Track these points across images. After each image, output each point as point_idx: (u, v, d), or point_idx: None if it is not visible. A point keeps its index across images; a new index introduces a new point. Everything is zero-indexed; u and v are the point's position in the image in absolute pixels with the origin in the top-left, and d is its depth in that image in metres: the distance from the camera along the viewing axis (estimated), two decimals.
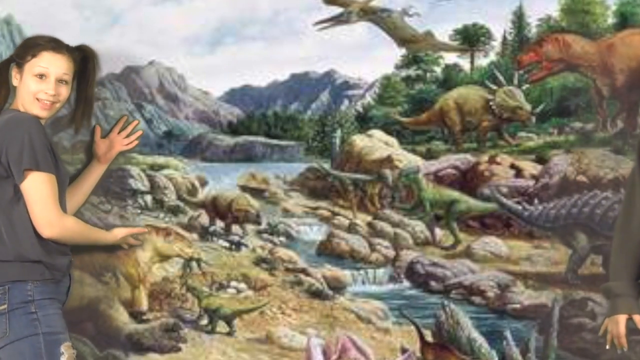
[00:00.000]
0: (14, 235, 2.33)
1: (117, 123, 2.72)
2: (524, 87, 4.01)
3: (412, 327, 4.00)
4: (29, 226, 2.35)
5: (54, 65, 2.36)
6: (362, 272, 4.13)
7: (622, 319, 2.34)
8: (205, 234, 4.25)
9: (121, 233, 2.46)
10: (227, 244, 4.24)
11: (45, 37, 2.41)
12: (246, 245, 4.22)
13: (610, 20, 3.95)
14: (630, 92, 3.91)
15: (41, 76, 2.37)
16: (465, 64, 4.09)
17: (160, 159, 4.31)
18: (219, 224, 4.25)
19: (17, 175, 2.29)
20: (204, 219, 4.25)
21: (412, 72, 4.13)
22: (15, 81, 2.40)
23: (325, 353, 4.03)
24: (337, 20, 4.10)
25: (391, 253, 4.11)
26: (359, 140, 4.18)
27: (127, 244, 2.59)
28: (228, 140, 4.34)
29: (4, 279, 2.37)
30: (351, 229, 4.16)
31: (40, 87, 2.37)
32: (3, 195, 2.32)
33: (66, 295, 2.46)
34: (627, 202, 2.42)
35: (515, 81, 4.01)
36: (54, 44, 2.40)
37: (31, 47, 2.40)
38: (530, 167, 3.98)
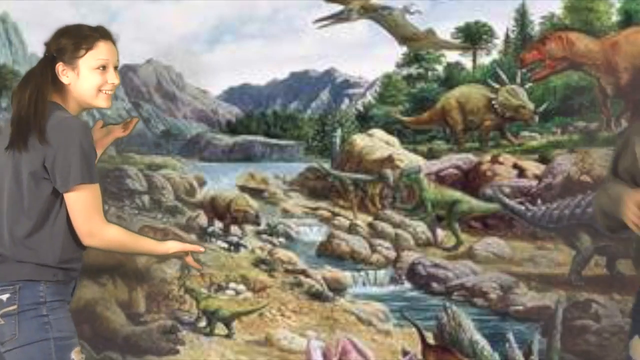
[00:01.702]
0: (38, 239, 2.31)
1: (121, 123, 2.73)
2: (526, 86, 3.99)
3: (414, 329, 3.96)
4: (61, 234, 2.33)
5: (111, 54, 2.34)
6: (362, 273, 4.12)
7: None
8: (203, 234, 4.24)
9: (174, 247, 2.40)
10: (225, 245, 4.24)
11: (88, 26, 2.37)
12: (245, 246, 4.22)
13: (615, 18, 3.95)
14: (635, 90, 3.89)
15: (103, 67, 2.34)
16: (467, 62, 4.10)
17: (158, 159, 4.32)
18: (218, 225, 4.25)
19: (62, 184, 2.27)
20: (202, 219, 4.25)
21: (413, 70, 4.14)
22: (65, 79, 2.35)
23: (325, 355, 4.01)
24: (337, 18, 4.10)
25: (392, 254, 4.10)
26: (360, 140, 4.18)
27: (186, 264, 2.60)
28: (227, 139, 4.35)
29: (15, 278, 2.34)
30: (352, 229, 4.15)
31: (104, 78, 2.34)
32: (39, 195, 2.29)
33: (72, 296, 2.44)
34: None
35: (518, 80, 3.99)
36: (103, 32, 2.37)
37: (82, 39, 2.35)
38: (533, 166, 3.97)
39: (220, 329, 4.14)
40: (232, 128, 4.35)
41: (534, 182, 3.96)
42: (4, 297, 2.30)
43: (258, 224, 4.21)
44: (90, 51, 2.34)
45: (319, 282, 4.12)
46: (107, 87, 2.37)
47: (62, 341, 2.31)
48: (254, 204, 4.23)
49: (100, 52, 2.35)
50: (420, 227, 4.08)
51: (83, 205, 2.28)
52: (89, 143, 2.30)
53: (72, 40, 2.36)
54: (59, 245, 2.31)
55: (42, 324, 2.30)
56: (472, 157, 4.05)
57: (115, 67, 2.39)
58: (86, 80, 2.35)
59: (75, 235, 2.30)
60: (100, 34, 2.37)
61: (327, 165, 4.21)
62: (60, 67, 2.36)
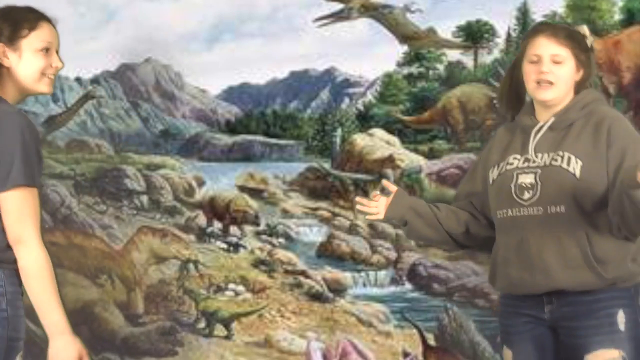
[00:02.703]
0: None
1: None
2: None
3: (414, 331, 3.95)
4: None
5: (54, 36, 2.27)
6: (363, 274, 4.10)
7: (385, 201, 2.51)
8: (202, 235, 4.22)
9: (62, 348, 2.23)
10: (225, 246, 4.22)
11: (27, 7, 2.30)
12: (244, 247, 4.20)
13: (617, 16, 3.92)
14: (637, 89, 3.87)
15: (46, 50, 2.27)
16: (468, 61, 4.07)
17: (157, 159, 4.30)
18: (217, 225, 4.22)
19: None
20: (202, 219, 4.23)
21: (414, 69, 4.12)
22: (6, 61, 2.27)
23: (325, 357, 4.00)
24: (337, 16, 4.08)
25: (393, 255, 4.08)
26: (360, 140, 4.16)
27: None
28: (226, 139, 4.34)
29: None
30: (352, 230, 4.13)
31: (47, 61, 2.27)
32: None
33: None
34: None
35: None
36: (43, 14, 2.29)
37: (25, 19, 2.27)
38: None
39: (219, 330, 4.12)
40: (231, 128, 4.34)
41: None
42: None
43: (257, 225, 4.20)
44: (33, 31, 2.25)
45: (319, 283, 4.10)
46: (51, 71, 2.28)
47: (13, 342, 2.22)
48: (253, 204, 4.21)
49: (44, 33, 2.26)
50: None
51: (19, 208, 2.18)
52: (33, 142, 2.20)
53: (14, 20, 2.28)
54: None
55: (0, 319, 2.21)
56: (473, 157, 3.99)
57: (57, 52, 2.31)
58: (29, 63, 2.25)
59: None
60: (42, 15, 2.30)
61: (327, 165, 4.19)
62: (0, 48, 2.28)
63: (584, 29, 2.31)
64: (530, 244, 2.20)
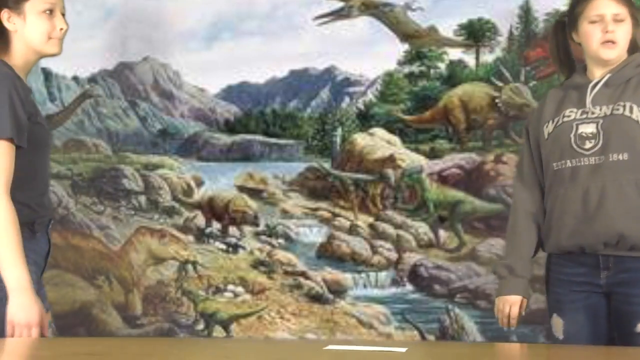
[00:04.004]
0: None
1: None
2: (531, 84, 3.96)
3: (416, 332, 3.95)
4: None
5: None
6: (363, 275, 4.08)
7: (519, 300, 2.35)
8: (201, 235, 4.20)
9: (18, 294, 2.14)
10: (224, 246, 4.19)
11: None
12: (244, 248, 4.18)
13: None
14: None
15: (50, 11, 2.28)
16: (470, 60, 4.04)
17: (155, 158, 4.28)
18: (216, 226, 4.20)
19: None
20: (200, 220, 4.21)
21: (415, 68, 4.10)
22: (11, 26, 2.27)
23: None
24: (337, 14, 4.08)
25: (394, 255, 4.06)
26: (361, 139, 4.14)
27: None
28: (225, 138, 4.32)
29: None
30: (352, 230, 4.11)
31: (52, 23, 2.28)
32: None
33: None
34: (520, 183, 2.42)
35: (522, 78, 3.96)
36: None
37: None
38: None
39: (218, 331, 4.11)
40: (230, 127, 4.31)
41: None
42: None
43: (257, 225, 4.18)
44: None
45: (319, 284, 4.09)
46: (57, 33, 2.29)
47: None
48: (252, 204, 4.19)
49: None
50: (422, 228, 4.04)
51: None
52: (21, 103, 2.18)
53: None
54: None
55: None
56: (475, 157, 4.02)
57: (63, 14, 2.31)
58: (34, 25, 2.26)
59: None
60: None
61: (327, 165, 4.17)
62: (5, 13, 2.27)
63: None
64: (591, 193, 2.18)
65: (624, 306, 2.18)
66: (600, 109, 2.24)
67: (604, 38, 2.28)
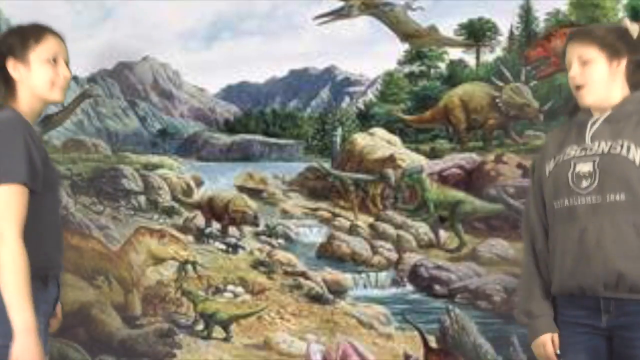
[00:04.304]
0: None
1: None
2: (531, 84, 3.95)
3: (416, 333, 3.93)
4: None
5: (61, 47, 2.38)
6: (363, 275, 4.07)
7: (547, 339, 2.32)
8: (201, 236, 4.20)
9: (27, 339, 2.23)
10: (223, 247, 4.19)
11: (34, 23, 2.38)
12: (243, 248, 4.17)
13: (621, 14, 3.87)
14: None
15: (54, 60, 2.34)
16: (470, 59, 4.04)
17: (155, 158, 4.28)
18: (215, 226, 4.20)
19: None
20: (200, 220, 4.21)
21: (415, 68, 4.10)
22: (17, 74, 2.33)
23: (325, 359, 3.98)
24: (337, 14, 4.07)
25: (394, 256, 4.05)
26: (361, 139, 4.13)
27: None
28: (225, 138, 4.32)
29: None
30: (352, 230, 4.10)
31: (55, 71, 2.34)
32: None
33: None
34: (526, 222, 2.41)
35: (523, 77, 3.95)
36: (50, 28, 2.39)
37: (31, 33, 2.36)
38: None
39: (218, 332, 4.10)
40: (230, 127, 4.32)
41: None
42: None
43: (257, 225, 4.17)
44: (40, 44, 2.34)
45: (319, 285, 4.08)
46: (60, 81, 2.35)
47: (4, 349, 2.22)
48: (252, 204, 4.18)
49: (50, 44, 2.36)
50: (423, 228, 4.04)
51: (13, 204, 2.18)
52: (36, 149, 2.25)
53: (21, 35, 2.36)
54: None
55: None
56: (475, 157, 4.01)
57: (67, 63, 2.37)
58: (38, 74, 2.34)
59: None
60: (48, 28, 2.39)
61: (327, 165, 4.17)
62: (11, 63, 2.35)
63: (625, 21, 2.28)
64: (588, 233, 2.16)
65: (625, 350, 2.17)
66: (599, 146, 2.20)
67: (571, 84, 2.26)
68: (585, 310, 2.21)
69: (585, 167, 2.19)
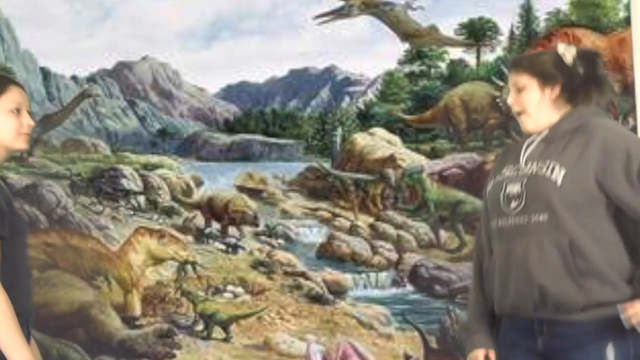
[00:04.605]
0: None
1: None
2: None
3: (416, 333, 3.94)
4: None
5: (24, 97, 2.45)
6: (363, 275, 4.07)
7: (480, 354, 2.37)
8: (200, 236, 4.18)
9: None
10: (223, 247, 4.18)
11: None
12: (243, 248, 4.16)
13: (622, 14, 3.90)
14: None
15: (17, 110, 2.40)
16: (471, 59, 4.04)
17: (154, 158, 4.27)
18: (215, 226, 4.19)
19: None
20: (200, 220, 4.19)
21: (415, 67, 4.09)
22: None
23: None
24: (337, 13, 4.07)
25: (394, 256, 4.05)
26: (361, 139, 4.13)
27: None
28: (224, 138, 4.31)
29: None
30: (352, 231, 4.10)
31: (19, 121, 2.40)
32: None
33: None
34: (477, 239, 2.48)
35: None
36: (12, 78, 2.49)
37: None
38: None
39: (217, 332, 4.09)
40: (229, 127, 4.32)
41: None
42: None
43: (256, 225, 4.16)
44: (3, 94, 2.42)
45: (319, 285, 4.07)
46: (24, 129, 2.43)
47: None
48: (252, 204, 4.17)
49: (14, 94, 2.44)
50: (423, 229, 4.04)
51: None
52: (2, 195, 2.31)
53: None
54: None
55: None
56: (476, 157, 4.01)
57: (28, 112, 2.45)
58: (3, 123, 2.41)
59: None
60: (11, 79, 2.49)
61: (327, 165, 4.16)
62: None
63: (561, 46, 2.32)
64: (515, 253, 2.23)
65: None
66: (530, 167, 2.26)
67: (512, 110, 2.33)
68: (522, 331, 2.27)
69: (514, 188, 2.27)
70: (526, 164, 2.27)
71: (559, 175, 2.20)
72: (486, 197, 2.36)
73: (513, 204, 2.25)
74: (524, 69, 2.29)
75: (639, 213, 2.16)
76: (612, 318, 2.14)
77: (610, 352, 2.16)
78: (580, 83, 2.28)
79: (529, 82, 2.28)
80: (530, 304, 2.21)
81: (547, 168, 2.23)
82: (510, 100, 2.32)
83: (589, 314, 2.17)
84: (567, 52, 2.30)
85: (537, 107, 2.28)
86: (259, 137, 4.30)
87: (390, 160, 4.07)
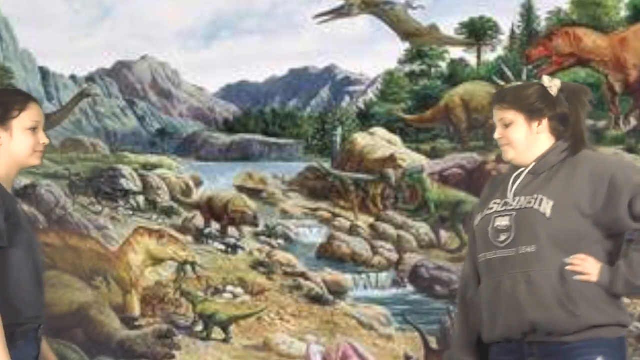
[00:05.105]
0: None
1: None
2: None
3: (416, 334, 3.91)
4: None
5: (41, 115, 2.47)
6: (364, 276, 4.07)
7: None
8: (200, 236, 4.18)
9: None
10: (223, 247, 4.17)
11: (17, 90, 2.53)
12: (243, 248, 4.16)
13: (623, 13, 3.92)
14: None
15: (34, 129, 2.42)
16: (471, 58, 4.08)
17: (153, 158, 4.28)
18: (215, 226, 4.19)
19: None
20: (199, 220, 4.19)
21: (416, 67, 4.12)
22: None
23: None
24: (337, 13, 4.07)
25: (394, 256, 4.05)
26: (361, 139, 4.14)
27: None
28: (224, 138, 4.33)
29: None
30: (352, 231, 4.10)
31: (36, 139, 2.43)
32: None
33: None
34: (463, 269, 2.53)
35: (524, 77, 3.94)
36: (30, 95, 2.51)
37: (15, 101, 2.46)
38: None
39: (217, 333, 4.08)
40: (229, 126, 4.33)
41: None
42: None
43: (256, 225, 4.16)
44: (23, 112, 2.44)
45: (319, 285, 4.06)
46: (39, 147, 2.45)
47: None
48: (252, 204, 4.17)
49: (33, 113, 2.46)
50: (423, 229, 4.04)
51: None
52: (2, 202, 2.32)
53: (5, 102, 2.46)
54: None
55: None
56: (476, 157, 4.01)
57: (43, 130, 2.48)
58: (20, 141, 2.45)
59: None
60: (30, 96, 2.52)
61: (327, 165, 4.17)
62: None
63: (546, 79, 2.35)
64: (503, 285, 2.26)
65: None
66: (518, 202, 2.30)
67: (499, 143, 2.37)
68: (512, 355, 2.29)
69: (503, 222, 2.30)
70: (514, 197, 2.31)
71: (547, 207, 2.24)
72: (473, 230, 2.40)
73: (502, 237, 2.29)
74: (510, 105, 2.33)
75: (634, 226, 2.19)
76: (601, 339, 2.18)
77: None
78: (566, 115, 2.31)
79: (515, 118, 2.32)
80: (520, 333, 2.25)
81: (536, 201, 2.26)
82: (497, 135, 2.36)
83: (579, 335, 2.20)
84: (553, 85, 2.34)
85: (524, 142, 2.33)
86: (259, 137, 4.30)
87: (391, 160, 4.07)
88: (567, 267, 2.15)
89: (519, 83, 3.91)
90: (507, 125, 2.32)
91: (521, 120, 2.31)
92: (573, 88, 2.38)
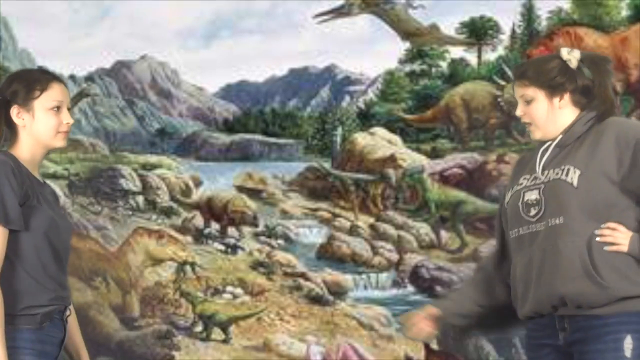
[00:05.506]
0: None
1: None
2: None
3: None
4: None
5: (64, 95, 2.44)
6: (364, 276, 4.07)
7: (431, 308, 2.41)
8: (199, 236, 4.18)
9: None
10: (222, 247, 4.18)
11: (40, 69, 2.48)
12: (243, 249, 4.16)
13: (624, 12, 3.90)
14: None
15: (57, 108, 2.39)
16: (472, 58, 4.04)
17: (153, 158, 4.27)
18: (214, 226, 4.19)
19: None
20: (199, 220, 4.19)
21: (416, 67, 4.09)
22: (20, 121, 2.39)
23: None
24: (337, 12, 4.07)
25: (394, 256, 4.05)
26: (361, 139, 4.13)
27: None
28: (224, 138, 4.32)
29: None
30: (353, 231, 4.10)
31: (59, 119, 2.39)
32: None
33: None
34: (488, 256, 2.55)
35: None
36: (55, 75, 2.47)
37: (36, 81, 2.43)
38: None
39: (217, 334, 4.09)
40: (229, 126, 4.33)
41: None
42: None
43: (256, 226, 4.16)
44: (44, 92, 2.41)
45: (319, 286, 4.07)
46: (63, 128, 2.41)
47: None
48: (251, 204, 4.17)
49: (54, 92, 2.41)
50: (424, 229, 4.03)
51: None
52: (10, 182, 2.29)
53: (26, 82, 2.42)
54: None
55: None
56: (477, 157, 4.01)
57: (69, 108, 2.43)
58: (42, 122, 2.40)
59: None
60: (53, 76, 2.47)
61: (327, 165, 4.16)
62: (15, 110, 2.40)
63: (565, 51, 2.32)
64: (533, 259, 2.26)
65: None
66: (547, 175, 2.30)
67: (522, 121, 2.36)
68: (545, 329, 2.29)
69: (532, 196, 2.31)
70: (543, 171, 2.29)
71: (574, 176, 2.22)
72: (505, 208, 2.38)
73: (533, 211, 2.28)
74: (530, 81, 2.31)
75: None
76: (632, 312, 2.17)
77: (628, 344, 2.18)
78: (588, 86, 2.29)
79: (536, 94, 2.30)
80: (550, 307, 2.24)
81: (563, 172, 2.25)
82: (519, 112, 2.33)
83: (609, 308, 2.19)
84: (572, 57, 2.31)
85: (546, 118, 2.32)
86: (259, 137, 4.30)
87: (391, 160, 4.07)
88: (597, 239, 2.14)
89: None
90: (528, 102, 2.31)
91: (542, 97, 2.30)
92: (593, 57, 2.36)
